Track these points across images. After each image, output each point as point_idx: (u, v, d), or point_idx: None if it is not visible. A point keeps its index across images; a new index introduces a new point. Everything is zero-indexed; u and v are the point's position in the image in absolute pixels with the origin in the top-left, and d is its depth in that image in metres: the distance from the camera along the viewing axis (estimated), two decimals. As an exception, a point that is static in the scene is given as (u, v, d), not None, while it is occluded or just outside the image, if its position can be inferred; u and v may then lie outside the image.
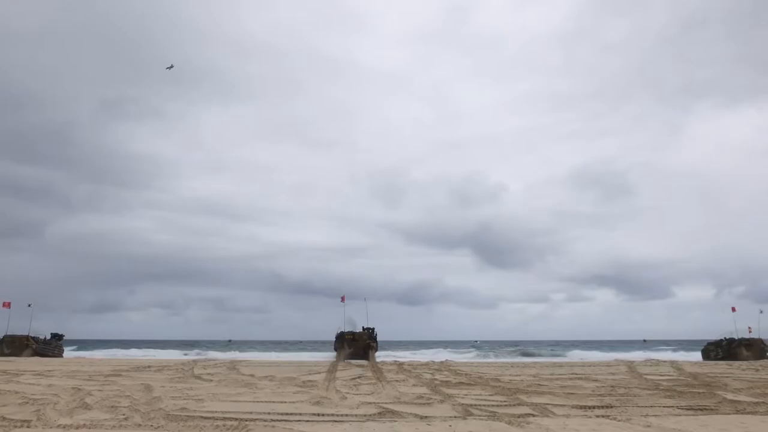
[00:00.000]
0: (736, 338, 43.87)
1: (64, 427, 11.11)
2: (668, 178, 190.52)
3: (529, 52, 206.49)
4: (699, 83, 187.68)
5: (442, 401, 16.15)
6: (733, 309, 45.43)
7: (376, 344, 40.22)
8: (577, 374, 27.31)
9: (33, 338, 43.92)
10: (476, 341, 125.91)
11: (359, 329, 41.04)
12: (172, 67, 73.26)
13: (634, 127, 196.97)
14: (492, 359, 52.93)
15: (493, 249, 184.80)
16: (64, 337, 48.90)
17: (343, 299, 43.10)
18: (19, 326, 44.07)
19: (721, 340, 44.76)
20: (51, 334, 47.04)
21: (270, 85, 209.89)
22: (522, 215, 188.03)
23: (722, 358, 41.62)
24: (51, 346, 44.89)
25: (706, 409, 14.72)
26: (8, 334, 43.62)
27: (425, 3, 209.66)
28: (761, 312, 43.85)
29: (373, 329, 41.31)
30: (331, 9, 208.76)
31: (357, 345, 38.87)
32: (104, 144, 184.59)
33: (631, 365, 35.31)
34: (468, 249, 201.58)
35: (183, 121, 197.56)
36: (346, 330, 40.63)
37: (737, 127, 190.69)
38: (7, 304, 43.52)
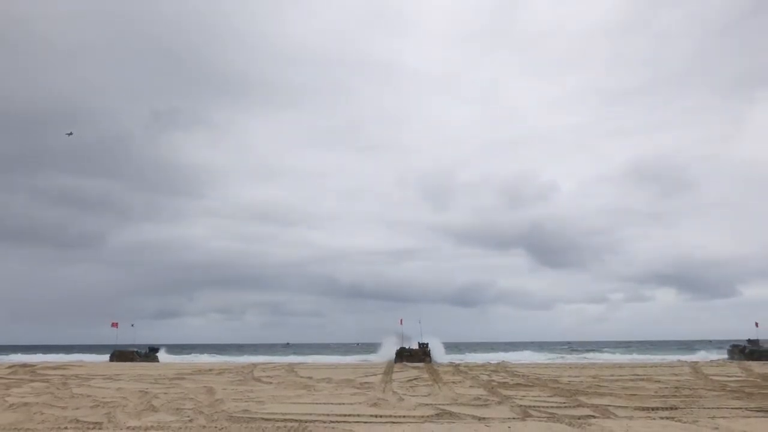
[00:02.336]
0: (757, 345, 46.42)
1: (133, 429, 11.57)
2: (731, 171, 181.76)
3: (577, 46, 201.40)
4: (760, 72, 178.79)
5: (499, 403, 16.04)
6: (757, 324, 48.52)
7: (430, 358, 45.01)
8: (638, 375, 26.59)
9: (136, 352, 51.22)
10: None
11: (415, 344, 46.59)
12: (71, 134, 76.82)
13: (691, 120, 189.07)
14: (548, 360, 52.01)
15: (547, 249, 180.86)
16: (159, 350, 56.00)
17: (401, 322, 48.27)
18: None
19: (744, 347, 46.87)
20: (149, 347, 54.48)
21: (317, 91, 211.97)
22: (575, 214, 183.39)
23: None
24: (149, 358, 51.88)
25: (777, 410, 14.12)
26: (117, 349, 51.72)
27: (470, 2, 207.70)
28: None
29: (427, 344, 46.57)
30: (376, 12, 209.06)
31: (413, 359, 43.55)
32: (158, 155, 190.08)
33: (695, 366, 34.13)
34: (521, 249, 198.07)
35: (232, 130, 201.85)
36: (405, 346, 46.05)
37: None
38: (115, 325, 51.19)
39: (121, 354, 50.29)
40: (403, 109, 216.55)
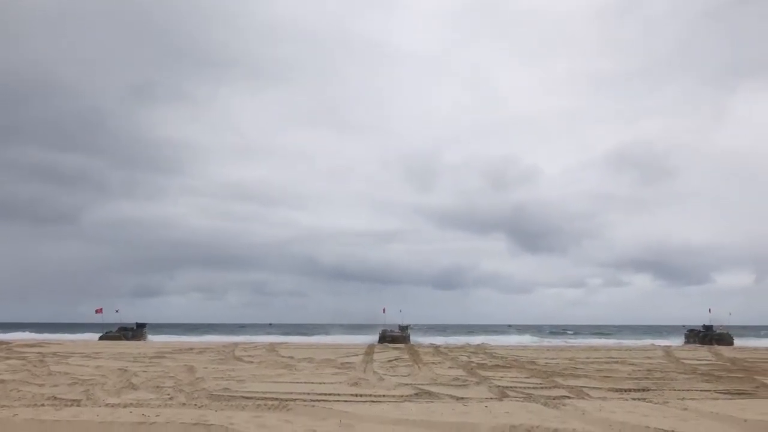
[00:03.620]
0: (712, 329, 50.48)
1: (112, 406, 11.56)
2: (711, 161, 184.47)
3: (567, 30, 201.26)
4: (745, 62, 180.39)
5: (478, 383, 16.32)
6: (710, 310, 52.79)
7: (409, 340, 48.22)
8: (613, 358, 27.16)
9: (124, 333, 51.87)
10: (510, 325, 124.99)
11: (397, 328, 50.42)
12: None
13: (676, 108, 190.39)
14: (527, 343, 52.98)
15: (528, 233, 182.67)
16: (146, 326, 56.63)
17: (384, 311, 52.17)
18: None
19: (699, 331, 50.93)
20: (136, 323, 55.09)
21: (303, 69, 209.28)
22: (558, 199, 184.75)
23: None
24: (138, 335, 52.97)
25: (744, 393, 14.56)
26: (106, 330, 52.24)
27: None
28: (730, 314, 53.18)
29: (407, 327, 51.04)
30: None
31: (395, 341, 46.35)
32: (136, 130, 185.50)
33: (668, 350, 34.94)
34: (502, 233, 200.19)
35: (214, 106, 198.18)
36: (387, 330, 49.64)
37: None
38: (99, 311, 52.21)
39: (109, 338, 50.82)
40: (390, 90, 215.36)
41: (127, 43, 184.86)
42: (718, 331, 49.27)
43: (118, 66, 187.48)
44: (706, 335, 49.15)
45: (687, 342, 50.65)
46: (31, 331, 70.13)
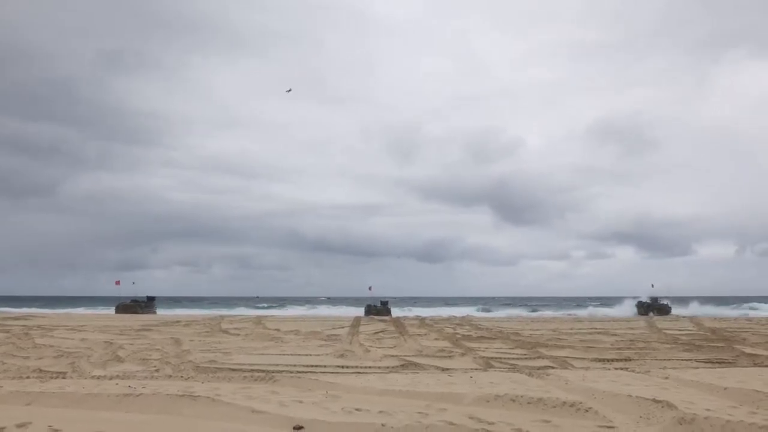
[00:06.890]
0: (656, 302, 56.91)
1: (98, 378, 11.52)
2: (694, 132, 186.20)
3: (550, 0, 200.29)
4: (729, 32, 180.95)
5: (463, 354, 16.48)
6: (652, 285, 59.04)
7: (391, 314, 50.82)
8: (596, 329, 27.53)
9: (138, 304, 53.85)
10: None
11: (379, 303, 54.06)
12: None
13: (659, 79, 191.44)
14: (512, 314, 53.75)
15: (512, 206, 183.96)
16: (156, 298, 58.61)
17: (370, 289, 55.39)
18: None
19: (645, 302, 57.45)
20: (147, 297, 56.89)
21: (283, 38, 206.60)
22: (541, 171, 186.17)
23: (645, 314, 52.61)
24: (149, 308, 54.87)
25: (724, 362, 14.85)
26: (121, 303, 54.14)
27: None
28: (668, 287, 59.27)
29: (387, 301, 54.55)
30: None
31: (380, 314, 48.80)
32: (112, 99, 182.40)
33: (650, 320, 35.48)
34: (486, 206, 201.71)
35: (192, 76, 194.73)
36: (372, 303, 53.67)
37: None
38: (117, 282, 54.25)
39: (125, 308, 52.68)
40: (372, 60, 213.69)
41: (102, 9, 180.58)
42: (659, 303, 56.50)
43: (92, 33, 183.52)
44: (650, 306, 56.16)
45: (638, 312, 56.00)
46: (11, 306, 68.65)
